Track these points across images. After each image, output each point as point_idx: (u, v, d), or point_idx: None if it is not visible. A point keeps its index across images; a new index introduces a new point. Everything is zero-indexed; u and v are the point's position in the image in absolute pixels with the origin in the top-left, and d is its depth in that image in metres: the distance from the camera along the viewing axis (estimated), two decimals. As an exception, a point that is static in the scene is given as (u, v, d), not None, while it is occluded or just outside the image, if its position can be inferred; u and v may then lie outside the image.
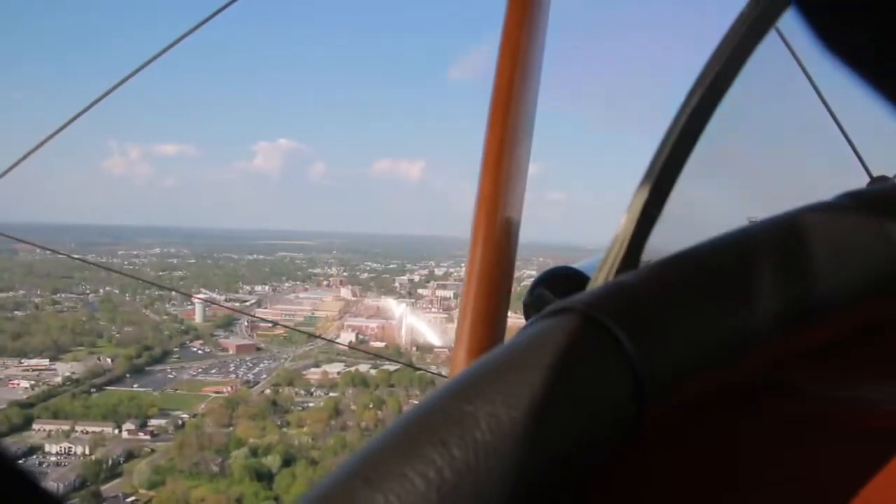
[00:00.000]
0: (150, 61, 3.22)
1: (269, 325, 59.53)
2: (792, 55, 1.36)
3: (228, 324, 59.48)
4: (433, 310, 55.74)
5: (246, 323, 59.83)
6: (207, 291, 61.05)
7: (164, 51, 3.19)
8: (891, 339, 0.63)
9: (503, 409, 0.46)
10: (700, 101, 0.77)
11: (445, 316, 55.17)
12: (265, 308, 60.27)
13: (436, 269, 65.16)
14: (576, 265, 1.50)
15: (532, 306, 1.32)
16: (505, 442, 0.45)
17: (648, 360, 0.51)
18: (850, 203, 0.61)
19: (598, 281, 0.82)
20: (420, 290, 61.50)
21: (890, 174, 1.55)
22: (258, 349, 55.37)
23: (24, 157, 3.30)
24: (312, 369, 50.38)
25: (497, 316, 0.94)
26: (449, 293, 59.75)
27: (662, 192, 0.80)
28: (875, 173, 1.69)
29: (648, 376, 0.51)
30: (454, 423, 0.45)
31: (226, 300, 64.56)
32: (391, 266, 71.34)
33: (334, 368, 49.68)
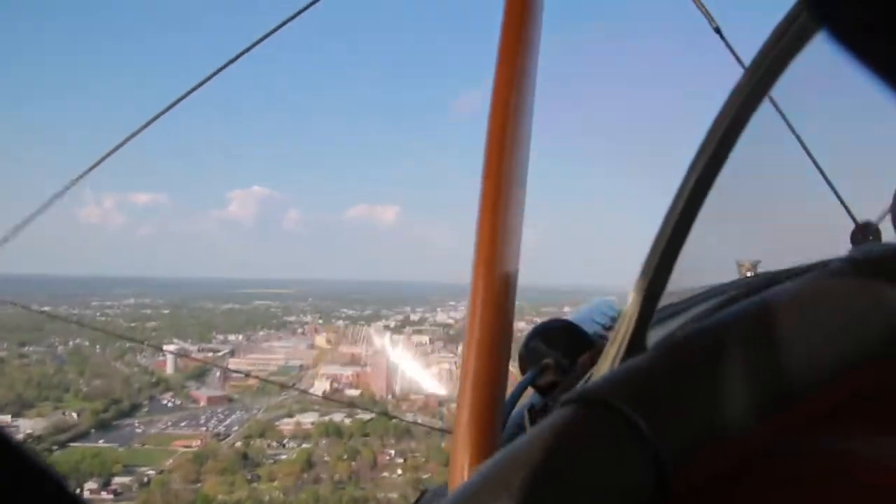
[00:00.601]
0: (156, 117, 3.27)
1: (241, 375, 58.40)
2: (782, 117, 1.44)
3: (201, 374, 58.16)
4: (408, 356, 54.84)
5: (219, 373, 58.56)
6: (180, 342, 59.96)
7: (170, 107, 3.25)
8: (884, 400, 0.65)
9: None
10: (701, 174, 0.80)
11: (422, 362, 54.40)
12: (238, 358, 59.17)
13: (411, 315, 64.45)
14: (569, 317, 1.56)
15: (528, 359, 1.36)
16: None
17: (668, 444, 0.53)
18: (848, 268, 0.65)
19: (608, 359, 0.86)
20: (395, 336, 60.69)
21: (873, 219, 1.79)
22: (230, 400, 54.04)
23: (30, 219, 3.41)
24: (285, 420, 49.11)
25: (499, 373, 0.93)
26: (424, 339, 58.98)
27: (666, 269, 0.82)
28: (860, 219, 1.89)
29: (669, 459, 0.53)
30: None
31: (199, 350, 63.48)
32: (366, 312, 70.49)
33: (308, 418, 48.47)
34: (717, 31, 2.75)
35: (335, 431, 45.84)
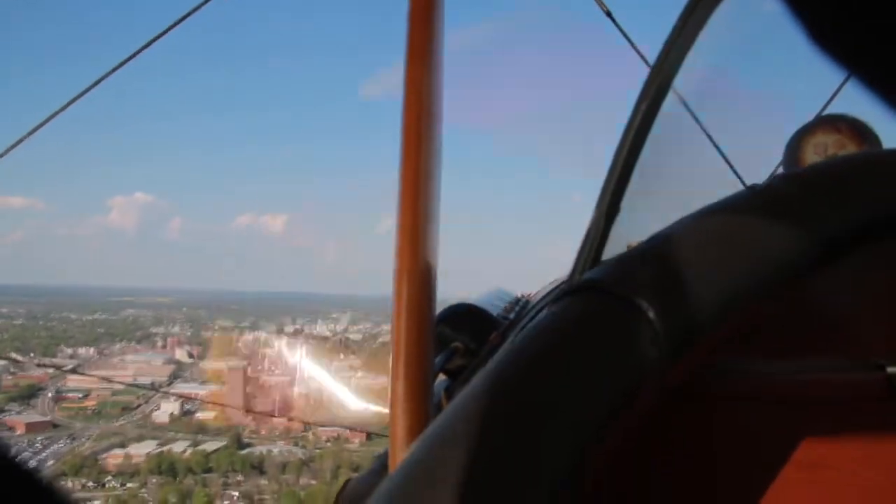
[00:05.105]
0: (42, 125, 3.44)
1: (79, 396, 48.88)
2: (684, 106, 1.66)
3: (30, 395, 48.48)
4: (276, 372, 46.47)
5: (50, 394, 48.89)
6: (18, 357, 50.39)
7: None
8: (807, 316, 0.70)
9: (551, 388, 0.51)
10: (642, 119, 1.07)
11: (287, 379, 46.14)
12: (80, 374, 49.72)
13: (286, 327, 56.17)
14: (471, 301, 1.65)
15: (436, 344, 1.40)
16: (561, 411, 0.49)
17: (668, 324, 0.55)
18: (783, 188, 0.68)
19: (579, 267, 1.04)
20: (265, 350, 52.18)
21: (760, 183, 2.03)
22: (55, 426, 44.48)
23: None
24: (116, 451, 40.00)
25: (427, 349, 1.01)
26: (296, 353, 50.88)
27: (618, 197, 1.08)
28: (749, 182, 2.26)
29: (669, 341, 0.55)
30: (523, 394, 0.50)
31: (36, 366, 53.73)
32: (244, 324, 61.77)
33: (144, 449, 39.55)
34: (609, 14, 2.93)
35: (168, 467, 36.98)
